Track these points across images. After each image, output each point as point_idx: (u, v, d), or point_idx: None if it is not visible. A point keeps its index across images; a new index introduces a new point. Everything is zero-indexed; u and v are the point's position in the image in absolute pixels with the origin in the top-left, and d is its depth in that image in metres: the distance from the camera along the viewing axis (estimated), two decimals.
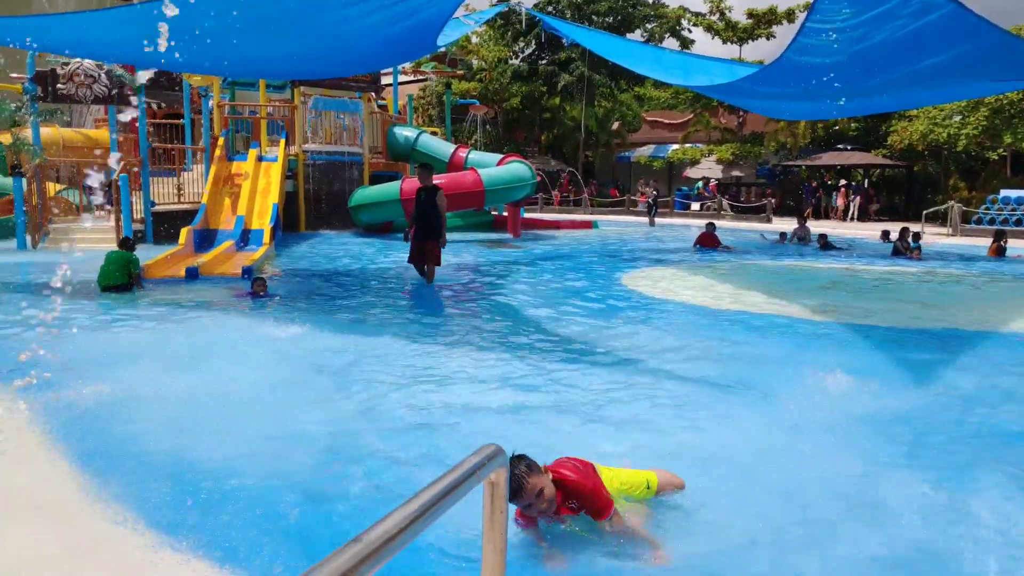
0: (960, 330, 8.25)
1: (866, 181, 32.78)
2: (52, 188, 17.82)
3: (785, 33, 32.69)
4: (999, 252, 16.50)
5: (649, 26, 42.28)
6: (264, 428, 4.58)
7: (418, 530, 1.31)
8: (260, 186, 17.02)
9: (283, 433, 4.49)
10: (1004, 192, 23.58)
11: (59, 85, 15.25)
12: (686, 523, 3.39)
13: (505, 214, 21.30)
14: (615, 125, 41.98)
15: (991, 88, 15.61)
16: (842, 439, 4.53)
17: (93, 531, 3.24)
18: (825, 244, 17.42)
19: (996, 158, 26.73)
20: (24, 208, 15.68)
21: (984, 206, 23.46)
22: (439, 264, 10.83)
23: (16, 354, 6.24)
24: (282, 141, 19.04)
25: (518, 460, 2.97)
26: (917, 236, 17.25)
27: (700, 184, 34.73)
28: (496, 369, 6.11)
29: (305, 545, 3.13)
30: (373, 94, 23.42)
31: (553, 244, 18.94)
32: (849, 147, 31.89)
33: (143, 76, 15.65)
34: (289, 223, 18.60)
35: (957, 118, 26.04)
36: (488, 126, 39.34)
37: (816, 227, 22.15)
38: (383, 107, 25.13)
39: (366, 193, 19.23)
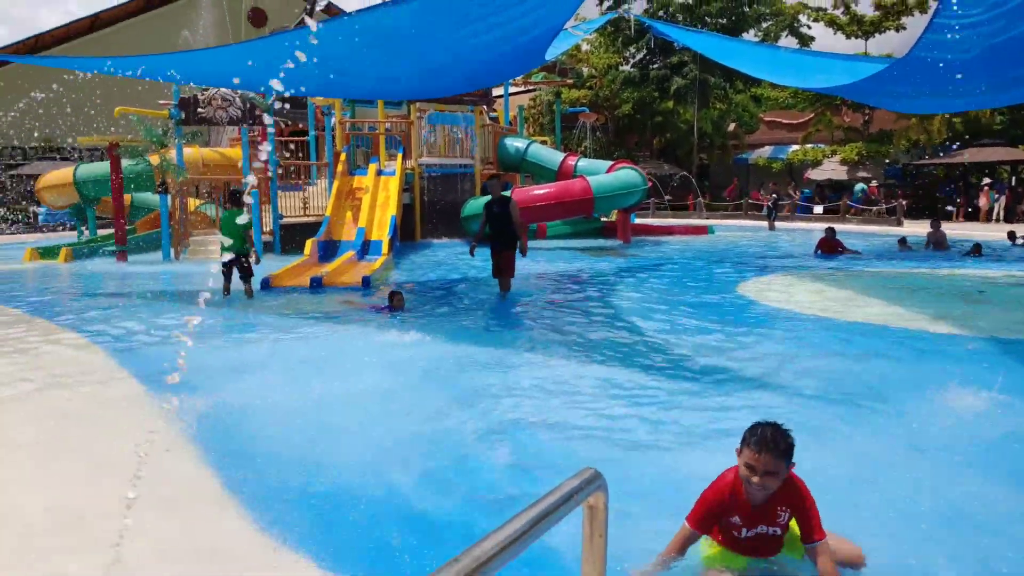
0: None
1: (1013, 179, 30.36)
2: (192, 203, 19.27)
3: (917, 24, 30.85)
4: None
5: (764, 25, 40.88)
6: (381, 436, 4.78)
7: (514, 553, 1.37)
8: (379, 199, 17.74)
9: (398, 442, 4.67)
10: None
11: (199, 109, 16.51)
12: None
13: (615, 220, 21.19)
14: (731, 127, 40.87)
15: None
16: (992, 463, 4.25)
17: (221, 529, 3.51)
18: (978, 251, 16.03)
19: None
20: (168, 223, 17.07)
21: None
22: (513, 275, 10.95)
23: (161, 361, 6.81)
24: (399, 155, 19.77)
25: (777, 426, 2.93)
26: None
27: (861, 188, 32.15)
28: (605, 384, 6.09)
29: (408, 556, 3.25)
30: (485, 107, 23.90)
31: (665, 250, 18.65)
32: (994, 142, 29.60)
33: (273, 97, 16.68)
34: (406, 233, 19.31)
35: None
36: (598, 133, 39.22)
37: (953, 230, 20.75)
38: (494, 119, 25.59)
39: (477, 203, 19.62)
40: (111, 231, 18.65)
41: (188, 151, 18.27)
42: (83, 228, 21.50)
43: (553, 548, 3.09)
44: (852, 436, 4.76)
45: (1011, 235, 17.94)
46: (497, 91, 26.99)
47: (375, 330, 8.61)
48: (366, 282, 11.86)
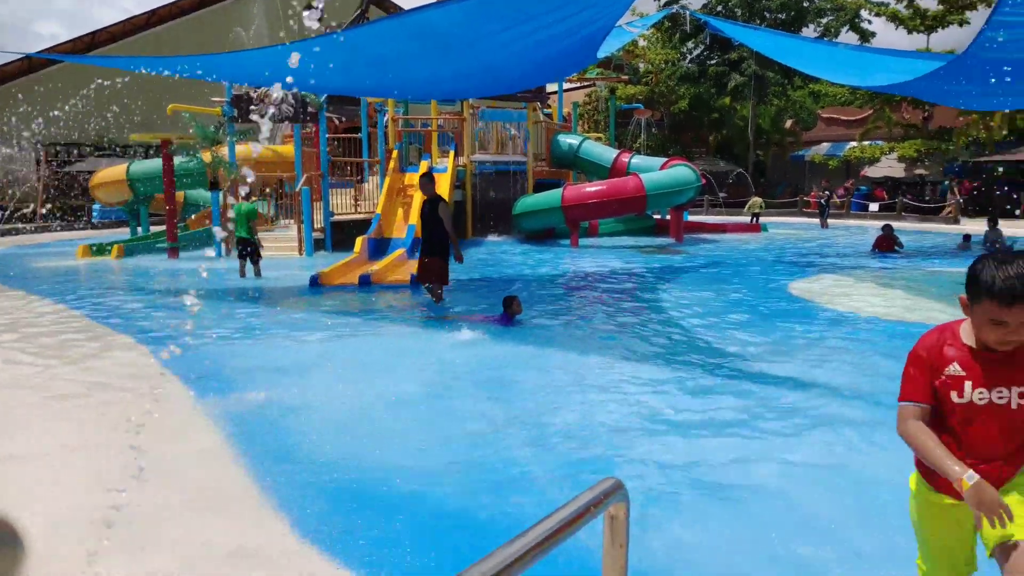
0: None
1: None
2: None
3: (980, 19, 29.78)
4: None
5: (824, 20, 39.89)
6: (422, 439, 4.88)
7: (532, 560, 1.44)
8: None
9: (437, 443, 4.76)
10: None
11: (251, 107, 16.88)
12: None
13: (668, 218, 21.04)
14: (788, 123, 40.06)
15: None
16: None
17: (253, 530, 3.62)
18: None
19: None
20: (221, 219, 17.44)
21: None
22: (445, 283, 9.98)
23: (207, 359, 7.04)
24: (451, 152, 19.95)
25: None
26: None
27: (948, 184, 30.98)
28: (652, 387, 6.09)
29: (435, 559, 3.34)
30: (538, 103, 23.94)
31: (718, 248, 18.44)
32: None
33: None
34: (458, 230, 19.46)
35: None
36: (653, 129, 38.88)
37: (1011, 229, 20.02)
38: (548, 115, 25.61)
39: (529, 201, 19.71)
40: (163, 228, 18.79)
41: (240, 147, 18.66)
42: (136, 225, 21.67)
43: (576, 556, 3.15)
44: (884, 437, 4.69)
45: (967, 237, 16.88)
46: (551, 87, 26.99)
47: (422, 329, 8.74)
48: (414, 279, 12.04)
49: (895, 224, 18.20)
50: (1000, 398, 2.16)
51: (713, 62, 39.53)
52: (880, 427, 4.86)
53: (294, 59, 8.38)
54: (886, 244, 16.41)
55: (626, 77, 37.95)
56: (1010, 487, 2.20)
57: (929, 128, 32.48)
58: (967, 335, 2.21)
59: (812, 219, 28.17)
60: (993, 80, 9.68)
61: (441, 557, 3.29)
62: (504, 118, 21.31)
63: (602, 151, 22.71)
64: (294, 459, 4.51)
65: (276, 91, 16.68)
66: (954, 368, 2.19)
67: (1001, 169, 31.28)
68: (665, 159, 21.52)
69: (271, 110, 16.05)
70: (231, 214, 14.22)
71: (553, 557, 3.15)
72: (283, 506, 3.84)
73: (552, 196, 19.14)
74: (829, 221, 26.34)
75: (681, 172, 19.04)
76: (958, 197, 28.39)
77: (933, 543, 2.39)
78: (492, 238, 20.24)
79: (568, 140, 22.93)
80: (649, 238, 21.01)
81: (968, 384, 2.17)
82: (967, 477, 2.02)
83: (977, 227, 20.97)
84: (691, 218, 24.69)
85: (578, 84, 36.15)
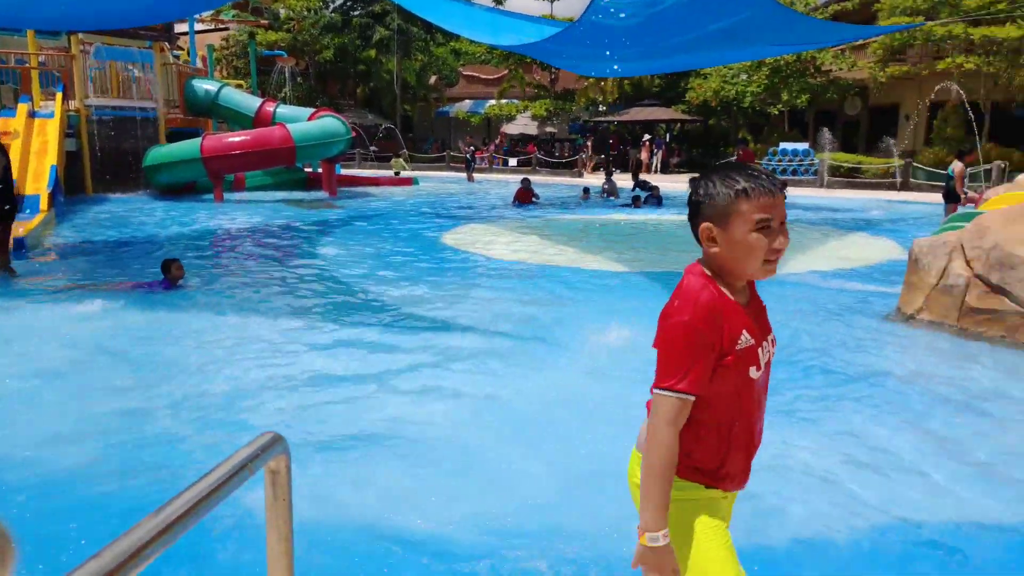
0: None
1: (668, 135, 34.88)
2: None
3: None
4: None
5: None
6: (52, 419, 4.18)
7: (188, 525, 1.27)
8: (34, 146, 15.20)
9: (71, 423, 4.12)
10: (783, 144, 26.04)
11: None
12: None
13: (320, 171, 20.62)
14: (433, 79, 41.58)
15: (769, 51, 17.08)
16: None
17: None
18: (645, 199, 17.72)
19: (776, 113, 29.40)
20: None
21: (767, 157, 25.80)
22: (5, 251, 8.51)
23: None
24: (59, 95, 17.06)
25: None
26: None
27: (583, 141, 32.41)
28: (315, 344, 5.94)
29: (82, 539, 2.92)
30: (167, 44, 21.55)
31: (372, 202, 18.62)
32: (653, 103, 33.71)
33: None
34: (72, 186, 16.81)
35: (743, 76, 28.39)
36: (299, 79, 37.55)
37: (624, 181, 23.37)
38: (178, 58, 23.22)
39: (162, 152, 17.80)
40: None
41: None
42: None
43: (244, 515, 2.96)
44: (543, 365, 5.20)
45: (635, 200, 18.44)
46: (181, 27, 24.45)
47: (30, 302, 7.45)
48: (19, 244, 10.18)
49: (531, 178, 20.01)
50: (767, 355, 1.81)
51: (357, 13, 39.24)
52: (526, 363, 5.33)
53: None
54: (525, 196, 18.00)
55: (266, 22, 36.01)
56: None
57: (556, 90, 36.19)
58: (722, 286, 1.77)
59: (460, 173, 29.80)
60: (602, 48, 11.03)
61: (87, 536, 2.85)
62: (125, 57, 18.80)
63: (244, 99, 21.32)
64: None
65: None
66: (746, 337, 1.73)
67: (614, 128, 36.17)
68: (313, 110, 20.96)
69: None
70: None
71: (218, 518, 2.94)
72: None
73: (190, 146, 17.51)
74: (475, 175, 28.09)
75: (330, 123, 18.71)
76: (589, 152, 32.29)
77: (720, 546, 1.78)
78: (119, 194, 17.91)
79: (205, 86, 21.08)
80: (301, 192, 20.42)
81: (757, 350, 1.76)
82: (651, 538, 1.67)
83: (597, 180, 24.00)
84: (343, 171, 24.53)
85: (213, 26, 33.37)
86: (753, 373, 1.76)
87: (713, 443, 1.78)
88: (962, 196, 11.40)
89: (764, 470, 3.02)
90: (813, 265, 9.38)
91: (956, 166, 11.78)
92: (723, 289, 1.75)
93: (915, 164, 22.69)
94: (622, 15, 8.60)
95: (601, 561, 2.84)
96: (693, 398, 1.69)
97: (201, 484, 1.41)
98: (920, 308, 6.16)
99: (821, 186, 23.48)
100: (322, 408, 4.42)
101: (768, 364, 1.83)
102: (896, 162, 22.80)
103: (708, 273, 1.78)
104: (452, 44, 42.20)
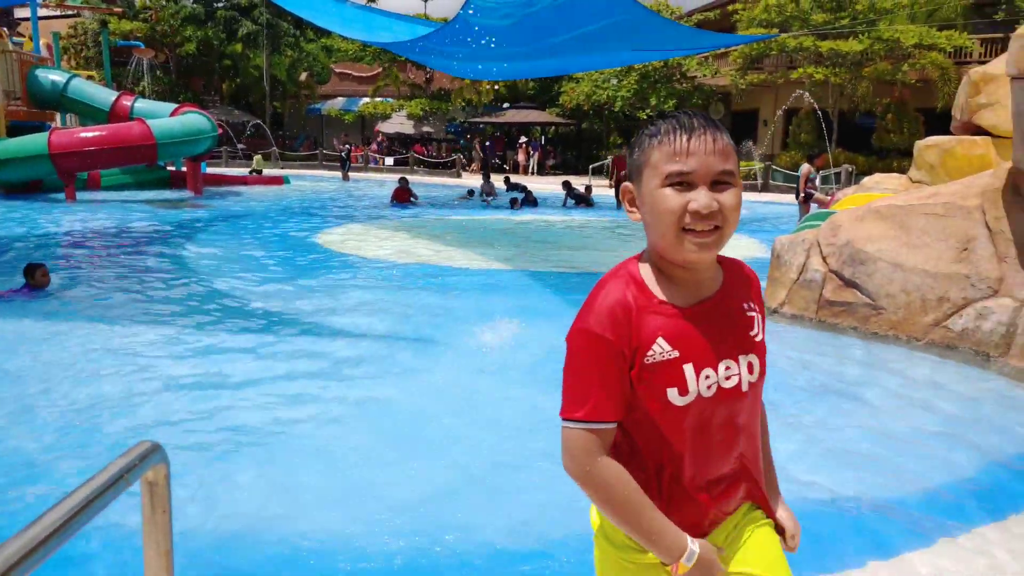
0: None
1: (543, 138, 35.54)
2: None
3: None
4: None
5: None
6: None
7: (58, 544, 1.18)
8: None
9: None
10: None
11: None
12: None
13: (184, 169, 19.56)
14: (304, 76, 40.39)
15: (638, 57, 17.76)
16: (525, 379, 4.94)
17: None
18: (522, 201, 17.91)
19: (645, 117, 30.63)
20: None
21: None
22: None
23: None
24: None
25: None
26: (588, 188, 19.16)
27: (472, 143, 31.66)
28: (177, 346, 5.64)
29: None
30: (5, 29, 19.80)
31: (242, 202, 17.87)
32: (528, 106, 34.25)
33: None
34: None
35: (614, 81, 29.40)
36: (158, 72, 35.49)
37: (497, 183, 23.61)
38: (19, 45, 21.38)
39: (3, 147, 16.31)
40: None
41: None
42: None
43: (121, 531, 2.77)
44: (419, 366, 5.16)
45: (513, 201, 18.26)
46: (22, 12, 22.51)
47: None
48: None
49: (409, 177, 19.81)
50: (729, 378, 1.35)
51: (221, 5, 37.52)
52: (402, 363, 5.28)
53: None
54: (403, 196, 17.80)
55: (120, 9, 33.82)
56: (748, 522, 1.46)
57: (431, 89, 36.03)
58: (652, 280, 1.36)
59: (334, 172, 29.12)
60: (477, 48, 11.09)
61: None
62: None
63: (98, 92, 19.92)
64: None
65: None
66: (661, 347, 1.30)
67: (491, 130, 36.44)
68: (176, 105, 19.87)
69: None
70: None
71: (92, 534, 2.73)
72: None
73: (35, 142, 16.15)
74: (350, 174, 27.52)
75: (195, 120, 17.81)
76: (480, 154, 32.33)
77: None
78: None
79: (51, 77, 19.51)
80: (164, 191, 19.31)
81: (688, 368, 1.31)
82: (687, 558, 1.32)
83: (476, 181, 24.06)
84: (210, 170, 23.41)
85: (58, 12, 30.95)
86: (675, 398, 1.30)
87: (641, 478, 1.35)
88: (801, 195, 12.22)
89: None
90: None
91: (803, 168, 12.66)
92: (654, 283, 1.34)
93: (774, 167, 24.23)
94: (496, 15, 8.69)
95: (492, 558, 2.85)
96: (607, 426, 1.31)
97: (73, 498, 1.31)
98: (783, 302, 6.57)
99: None
100: (198, 416, 4.20)
101: (727, 393, 1.34)
102: (757, 165, 24.28)
103: (641, 263, 1.39)
104: (324, 41, 41.18)
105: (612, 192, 20.61)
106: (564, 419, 1.33)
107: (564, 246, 12.06)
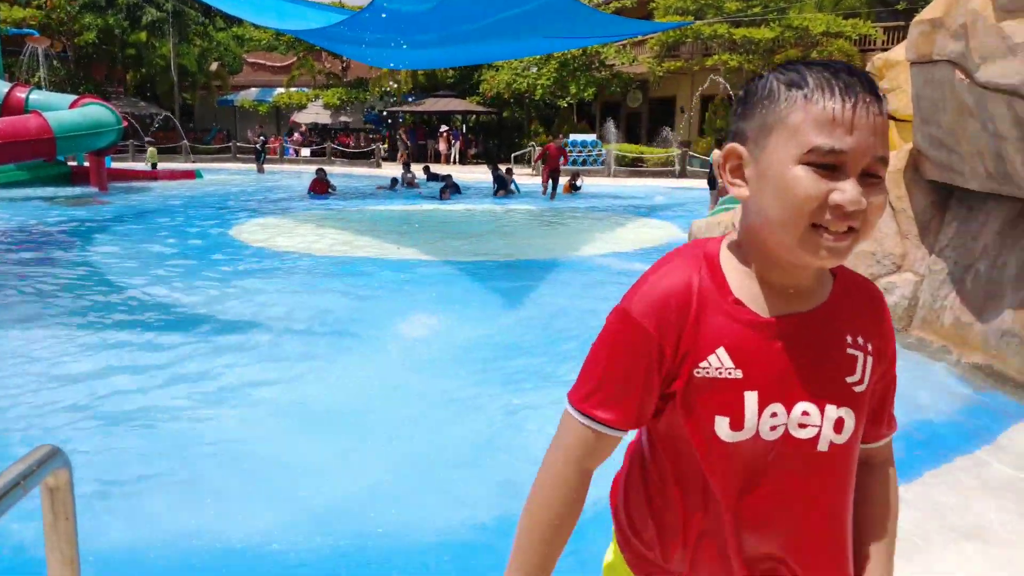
0: (538, 260, 9.40)
1: (464, 126, 35.37)
2: None
3: None
4: (573, 188, 19.15)
5: None
6: None
7: None
8: None
9: None
10: (572, 136, 27.37)
11: None
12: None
13: (87, 165, 18.62)
14: (214, 66, 38.97)
15: (557, 44, 17.87)
16: (449, 367, 4.90)
17: None
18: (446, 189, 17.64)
19: (565, 106, 30.83)
20: None
21: None
22: None
23: None
24: None
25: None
26: (509, 172, 19.19)
27: (400, 135, 31.42)
28: (83, 347, 5.36)
29: None
30: None
31: (150, 197, 17.14)
32: (448, 94, 33.98)
33: None
34: None
35: (534, 69, 29.49)
36: (55, 62, 33.59)
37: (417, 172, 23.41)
38: None
39: None
40: None
41: None
42: None
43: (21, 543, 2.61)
44: (338, 360, 5.07)
45: (444, 191, 18.01)
46: None
47: None
48: None
49: (327, 168, 19.41)
50: (805, 427, 0.99)
51: None
52: (321, 358, 5.17)
53: None
54: (320, 187, 17.43)
55: None
56: None
57: (348, 78, 35.34)
58: (734, 270, 1.02)
59: (249, 164, 28.26)
60: (394, 35, 10.92)
61: None
62: None
63: None
64: None
65: None
66: (721, 360, 0.98)
67: (411, 118, 35.98)
68: (75, 97, 18.86)
69: None
70: None
71: None
72: None
73: None
74: (265, 167, 26.76)
75: (97, 112, 16.97)
76: (406, 143, 31.81)
77: None
78: None
79: None
80: (65, 188, 18.34)
81: (751, 398, 0.98)
82: None
83: (396, 171, 23.77)
84: (115, 165, 22.36)
85: None
86: (723, 431, 0.98)
87: (668, 520, 1.07)
88: (720, 183, 12.60)
89: None
90: (611, 248, 10.00)
91: (715, 154, 12.99)
92: (734, 274, 1.01)
93: (691, 153, 24.81)
94: (412, 1, 8.56)
95: (422, 553, 2.81)
96: (609, 432, 1.02)
97: None
98: None
99: (608, 175, 24.96)
100: (105, 419, 4.01)
101: (798, 444, 0.98)
102: (674, 151, 24.80)
103: (724, 249, 1.05)
104: (235, 30, 39.77)
105: (533, 179, 20.73)
106: (568, 402, 1.06)
107: (482, 234, 12.04)
